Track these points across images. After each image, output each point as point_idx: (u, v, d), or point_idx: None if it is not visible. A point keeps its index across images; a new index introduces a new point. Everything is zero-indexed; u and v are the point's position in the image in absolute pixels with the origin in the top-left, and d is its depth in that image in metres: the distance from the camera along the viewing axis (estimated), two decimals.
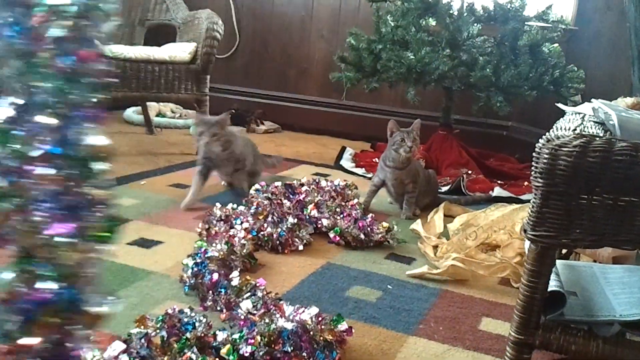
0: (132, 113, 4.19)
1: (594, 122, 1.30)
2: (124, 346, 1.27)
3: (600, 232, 1.04)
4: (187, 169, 3.08)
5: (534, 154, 1.08)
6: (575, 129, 1.20)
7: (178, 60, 3.26)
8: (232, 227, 2.08)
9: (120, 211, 2.32)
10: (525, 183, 3.26)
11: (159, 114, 4.26)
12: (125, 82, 3.15)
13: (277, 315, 1.45)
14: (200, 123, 2.52)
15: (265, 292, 1.62)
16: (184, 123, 4.16)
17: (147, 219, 2.28)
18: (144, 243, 2.05)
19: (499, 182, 3.27)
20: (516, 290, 1.90)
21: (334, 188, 2.57)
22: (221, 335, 1.36)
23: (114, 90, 3.13)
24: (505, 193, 3.06)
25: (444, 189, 3.02)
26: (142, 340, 1.28)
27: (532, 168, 1.08)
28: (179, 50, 3.31)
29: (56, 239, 0.70)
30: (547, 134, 1.11)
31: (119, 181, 2.71)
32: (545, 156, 1.03)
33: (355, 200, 2.52)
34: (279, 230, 2.10)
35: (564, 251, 1.65)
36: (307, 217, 2.27)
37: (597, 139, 1.01)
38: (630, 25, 1.69)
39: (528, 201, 2.84)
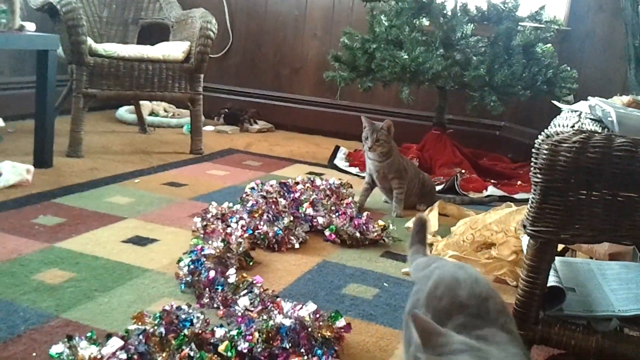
0: (124, 112, 4.17)
1: (590, 119, 1.31)
2: (121, 342, 1.26)
3: (599, 228, 1.05)
4: (180, 167, 3.07)
5: (533, 150, 1.08)
6: (573, 126, 1.20)
7: (172, 59, 3.25)
8: (228, 225, 2.08)
9: (115, 209, 2.31)
10: (519, 182, 3.27)
11: (151, 113, 4.24)
12: (118, 80, 3.14)
13: (275, 312, 1.45)
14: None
15: (262, 290, 1.61)
16: (177, 122, 4.15)
17: (141, 217, 2.27)
18: (139, 241, 2.04)
19: (492, 181, 3.28)
20: (512, 288, 1.91)
21: (329, 187, 2.57)
22: (219, 332, 1.36)
23: (107, 88, 3.12)
24: (498, 192, 3.08)
25: (438, 188, 3.03)
26: (140, 337, 1.28)
27: (532, 164, 1.08)
28: (173, 49, 3.30)
29: None
30: (545, 130, 1.11)
31: (112, 179, 2.70)
32: (545, 152, 1.04)
33: (350, 199, 2.53)
34: (275, 228, 2.10)
35: (559, 248, 1.65)
36: (303, 215, 2.26)
37: (597, 134, 1.02)
38: (627, 24, 1.70)
39: (522, 201, 2.86)
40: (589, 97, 1.43)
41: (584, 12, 3.70)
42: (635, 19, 1.64)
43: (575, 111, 1.41)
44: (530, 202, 1.09)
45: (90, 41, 3.08)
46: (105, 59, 3.09)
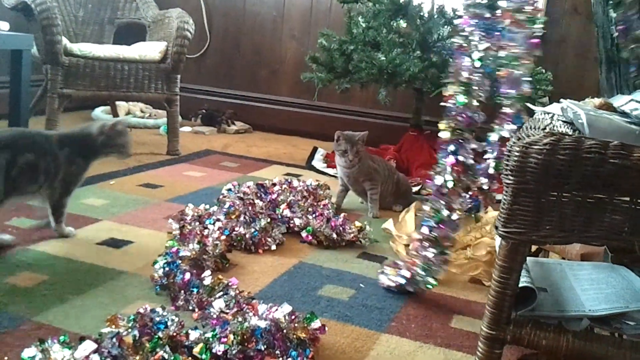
0: (100, 113, 4.13)
1: (562, 121, 1.33)
2: (95, 346, 1.25)
3: (569, 228, 1.06)
4: (156, 168, 3.05)
5: (504, 152, 1.10)
6: (544, 128, 1.22)
7: (148, 59, 3.23)
8: (205, 227, 2.07)
9: (90, 211, 2.29)
10: None
11: (128, 114, 4.21)
12: (94, 81, 3.11)
13: (250, 314, 1.45)
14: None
15: (237, 292, 1.61)
16: (153, 123, 4.12)
17: (116, 218, 2.25)
18: (114, 243, 2.03)
19: None
20: (487, 288, 1.93)
21: (306, 188, 2.57)
22: (194, 334, 1.35)
23: (82, 89, 3.09)
24: None
25: (415, 189, 3.04)
26: (114, 340, 1.27)
27: (503, 166, 1.09)
28: (149, 49, 3.28)
29: None
30: (516, 132, 1.13)
31: (88, 181, 2.67)
32: (516, 154, 1.05)
33: (327, 200, 2.53)
34: (252, 230, 2.09)
35: (533, 249, 1.67)
36: (280, 216, 2.26)
37: (567, 137, 1.03)
38: (599, 28, 1.72)
39: (498, 201, 2.88)
40: (561, 100, 1.45)
41: (560, 15, 3.74)
42: (606, 22, 1.67)
43: (548, 113, 1.43)
44: (501, 203, 1.10)
45: (65, 41, 3.05)
46: (80, 59, 3.07)
